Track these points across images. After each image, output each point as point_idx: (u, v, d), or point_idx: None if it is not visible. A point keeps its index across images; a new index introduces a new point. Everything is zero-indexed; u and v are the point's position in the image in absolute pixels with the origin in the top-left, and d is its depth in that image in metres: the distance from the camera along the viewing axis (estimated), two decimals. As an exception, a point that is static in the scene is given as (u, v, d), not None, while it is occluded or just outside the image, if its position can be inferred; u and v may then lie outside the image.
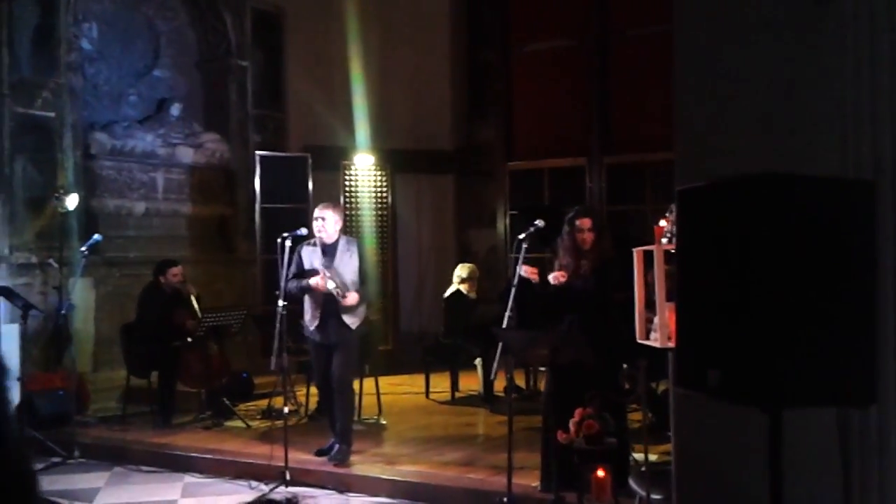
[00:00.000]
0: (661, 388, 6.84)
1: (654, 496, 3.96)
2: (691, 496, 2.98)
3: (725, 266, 2.44)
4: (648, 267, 4.09)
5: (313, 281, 6.16)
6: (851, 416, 2.60)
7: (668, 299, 3.76)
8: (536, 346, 5.08)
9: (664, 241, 3.83)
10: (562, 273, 5.29)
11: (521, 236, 5.40)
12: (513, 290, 5.22)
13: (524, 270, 5.28)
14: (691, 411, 2.88)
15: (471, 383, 8.90)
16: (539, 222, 5.46)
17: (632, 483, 4.24)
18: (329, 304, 6.24)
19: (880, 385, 2.36)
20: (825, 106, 2.82)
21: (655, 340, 3.81)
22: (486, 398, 8.28)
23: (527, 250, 5.40)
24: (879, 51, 2.69)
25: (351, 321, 6.30)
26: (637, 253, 4.07)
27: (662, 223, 3.94)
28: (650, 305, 4.08)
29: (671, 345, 3.70)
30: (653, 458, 5.88)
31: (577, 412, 4.29)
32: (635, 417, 7.23)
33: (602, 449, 4.20)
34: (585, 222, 5.35)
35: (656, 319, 3.85)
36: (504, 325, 5.23)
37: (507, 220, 11.34)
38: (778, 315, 2.31)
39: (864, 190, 2.46)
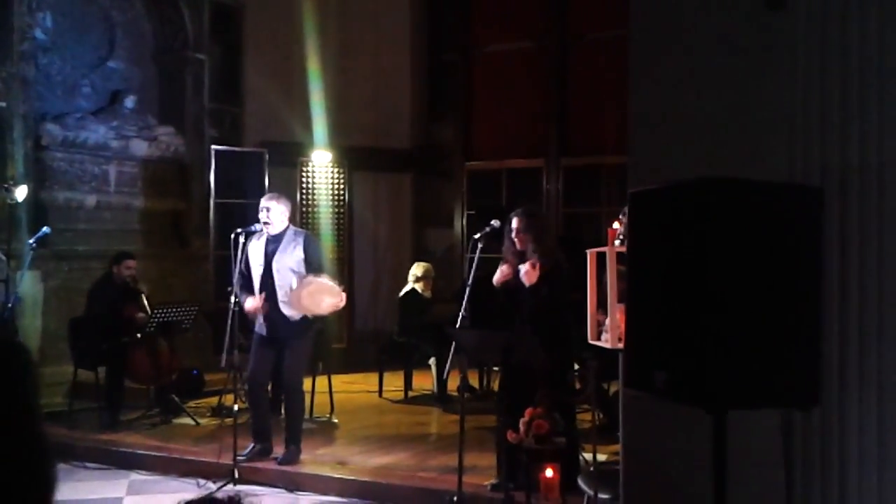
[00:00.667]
0: (613, 388, 6.86)
1: (602, 496, 3.97)
2: (638, 496, 3.00)
3: (674, 268, 2.46)
4: (602, 269, 4.11)
5: (248, 304, 6.10)
6: (794, 418, 2.63)
7: (620, 301, 3.78)
8: (489, 346, 5.07)
9: (617, 243, 3.84)
10: (507, 267, 5.28)
11: (477, 236, 5.41)
12: (467, 290, 5.21)
13: (500, 272, 5.27)
14: (639, 412, 2.90)
15: (425, 382, 8.88)
16: (495, 222, 5.46)
17: (580, 482, 4.25)
18: (274, 298, 6.13)
19: (823, 388, 2.38)
20: (774, 110, 2.85)
21: (606, 341, 3.82)
22: (440, 397, 8.27)
23: (482, 250, 5.40)
24: (830, 56, 2.72)
25: (292, 313, 6.12)
26: (590, 254, 4.09)
27: (616, 225, 3.96)
28: (602, 307, 4.09)
29: (622, 346, 3.71)
30: (602, 458, 5.93)
31: (527, 412, 4.29)
32: (585, 417, 7.29)
33: (551, 448, 4.21)
34: (515, 222, 5.36)
35: (608, 320, 3.86)
36: (458, 325, 5.22)
37: (465, 220, 11.35)
38: (723, 317, 2.33)
39: (812, 196, 2.48)
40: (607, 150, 10.36)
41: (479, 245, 5.37)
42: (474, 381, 8.56)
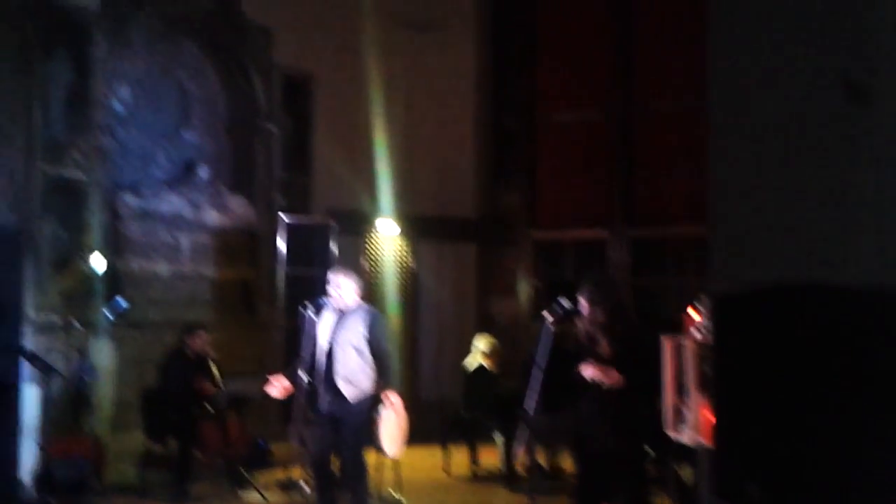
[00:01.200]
0: (685, 472, 6.68)
1: None
2: None
3: (765, 377, 2.40)
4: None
5: (272, 390, 6.24)
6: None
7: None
8: (561, 431, 4.99)
9: (695, 333, 3.77)
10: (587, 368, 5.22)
11: (545, 313, 5.32)
12: (539, 374, 5.13)
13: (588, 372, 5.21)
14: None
15: (490, 458, 8.75)
16: (565, 302, 5.38)
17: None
18: (330, 372, 6.08)
19: None
20: (863, 212, 2.78)
21: (686, 435, 3.72)
22: (508, 477, 8.12)
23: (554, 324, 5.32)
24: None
25: (350, 393, 6.06)
26: (667, 342, 4.01)
27: (691, 312, 3.89)
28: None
29: (702, 440, 3.63)
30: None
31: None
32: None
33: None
34: (583, 301, 5.26)
35: (688, 413, 3.77)
36: (526, 405, 5.13)
37: (530, 290, 11.29)
38: (821, 430, 2.26)
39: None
40: (673, 221, 10.29)
41: (551, 327, 5.29)
42: (541, 459, 8.41)
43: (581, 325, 5.31)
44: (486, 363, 8.71)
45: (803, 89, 3.03)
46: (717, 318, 2.50)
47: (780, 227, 2.89)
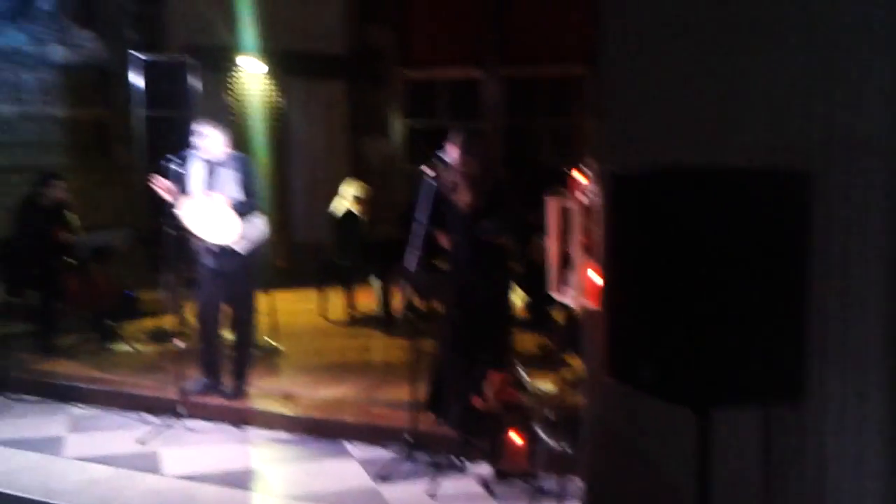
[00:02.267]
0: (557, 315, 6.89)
1: (565, 447, 4.00)
2: (608, 481, 3.00)
3: (658, 258, 2.39)
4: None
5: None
6: (772, 413, 2.63)
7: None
8: (444, 289, 5.00)
9: (581, 197, 3.75)
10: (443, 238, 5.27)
11: (427, 170, 5.21)
12: (421, 230, 5.07)
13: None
14: (615, 396, 2.87)
15: (366, 300, 8.80)
16: (444, 156, 5.27)
17: (539, 431, 4.27)
18: None
19: (807, 381, 2.37)
20: (755, 92, 2.74)
21: (571, 298, 3.77)
22: (385, 321, 8.22)
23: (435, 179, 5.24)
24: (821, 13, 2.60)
25: (241, 247, 5.91)
26: (552, 203, 3.99)
27: (577, 176, 3.85)
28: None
29: (588, 304, 3.68)
30: (550, 387, 5.99)
31: (495, 378, 4.26)
32: (532, 341, 7.37)
33: (520, 416, 4.21)
34: (452, 146, 5.20)
35: (572, 276, 3.80)
36: (406, 261, 5.10)
37: (403, 130, 11.10)
38: (709, 312, 2.28)
39: (799, 181, 2.41)
40: (546, 60, 10.19)
41: (431, 181, 5.19)
42: (416, 302, 8.51)
43: (446, 175, 5.26)
44: (354, 209, 8.60)
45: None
46: (612, 197, 2.44)
47: (673, 105, 2.83)
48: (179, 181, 5.86)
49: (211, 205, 5.77)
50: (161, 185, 5.85)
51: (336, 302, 8.80)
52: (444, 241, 5.28)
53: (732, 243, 2.30)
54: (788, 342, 2.36)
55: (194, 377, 6.15)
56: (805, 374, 2.38)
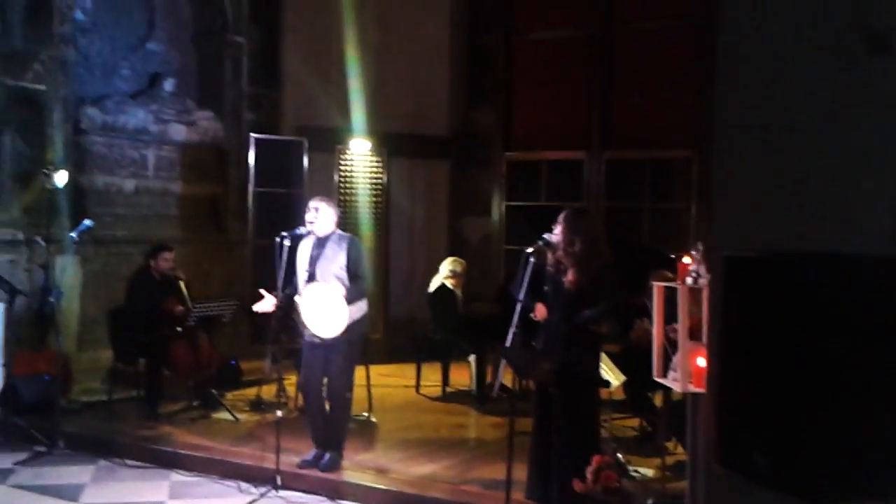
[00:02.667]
0: (657, 398, 6.74)
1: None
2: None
3: (773, 343, 2.33)
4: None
5: (258, 306, 6.18)
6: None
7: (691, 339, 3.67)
8: (539, 367, 4.97)
9: (689, 280, 3.70)
10: (540, 311, 5.27)
11: (529, 250, 5.25)
12: (518, 307, 5.08)
13: (537, 311, 5.25)
14: (718, 481, 2.78)
15: (461, 377, 8.80)
16: (548, 236, 5.30)
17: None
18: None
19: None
20: (871, 178, 2.68)
21: (675, 381, 3.70)
22: (479, 398, 8.19)
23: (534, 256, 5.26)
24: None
25: (346, 321, 5.95)
26: (658, 288, 3.95)
27: (686, 259, 3.82)
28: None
29: (693, 388, 3.60)
30: (649, 472, 5.85)
31: (595, 460, 4.19)
32: (628, 424, 7.22)
33: (619, 499, 4.11)
34: (560, 219, 5.23)
35: (676, 359, 3.74)
36: (509, 341, 5.10)
37: (503, 210, 11.20)
38: (832, 401, 2.20)
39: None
40: (650, 144, 10.19)
41: (532, 260, 5.22)
42: (508, 380, 8.46)
43: (552, 255, 5.27)
44: (449, 283, 8.66)
45: (816, 41, 2.89)
46: (727, 279, 2.41)
47: (786, 191, 2.79)
48: (289, 257, 6.04)
49: (327, 295, 5.91)
50: (264, 306, 6.10)
51: (431, 377, 8.82)
52: (541, 311, 5.25)
53: (853, 329, 2.23)
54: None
55: (298, 449, 6.23)
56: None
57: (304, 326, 6.06)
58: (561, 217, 5.25)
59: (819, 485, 2.20)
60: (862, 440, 2.20)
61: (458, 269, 8.74)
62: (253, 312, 8.51)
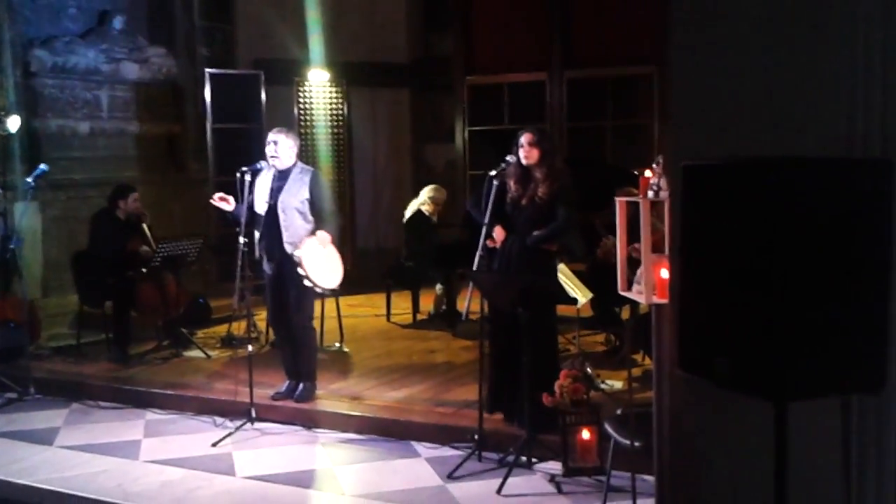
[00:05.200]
0: (624, 312, 6.84)
1: (635, 443, 3.96)
2: (682, 474, 2.96)
3: (732, 249, 2.35)
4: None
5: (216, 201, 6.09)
6: (852, 400, 2.57)
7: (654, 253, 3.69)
8: (508, 291, 5.00)
9: (650, 194, 3.72)
10: (499, 231, 5.33)
11: (493, 173, 5.24)
12: (483, 231, 5.09)
13: (495, 234, 5.31)
14: (688, 390, 2.83)
15: (429, 303, 8.85)
16: (510, 158, 5.30)
17: (608, 428, 4.23)
18: (277, 236, 5.96)
19: (889, 369, 2.31)
20: (833, 76, 2.67)
21: (639, 294, 3.74)
22: (450, 322, 8.25)
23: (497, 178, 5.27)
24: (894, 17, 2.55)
25: (295, 253, 5.92)
26: (620, 203, 3.97)
27: (647, 173, 3.83)
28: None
29: (657, 299, 3.64)
30: (618, 384, 5.96)
31: (563, 374, 4.24)
32: (597, 339, 7.34)
33: (588, 412, 4.18)
34: (528, 136, 5.28)
35: (640, 270, 3.77)
36: (475, 266, 5.12)
37: (466, 135, 11.13)
38: (790, 303, 2.23)
39: (882, 170, 2.35)
40: (612, 62, 10.12)
41: (495, 183, 5.22)
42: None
43: (513, 177, 5.29)
44: (424, 209, 8.63)
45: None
46: (686, 188, 2.42)
47: (746, 97, 2.78)
48: (250, 192, 5.96)
49: (320, 248, 5.93)
50: (217, 199, 6.01)
51: (400, 305, 8.85)
52: (500, 234, 5.29)
53: (811, 232, 2.25)
54: (869, 331, 2.30)
55: (272, 383, 6.29)
56: (887, 364, 2.32)
57: (264, 261, 6.04)
58: (533, 138, 5.26)
59: (779, 384, 2.25)
60: (820, 339, 2.23)
61: (439, 196, 8.71)
62: (218, 250, 8.51)
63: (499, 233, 5.31)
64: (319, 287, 6.03)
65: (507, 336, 5.13)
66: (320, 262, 5.98)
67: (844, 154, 2.55)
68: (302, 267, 5.86)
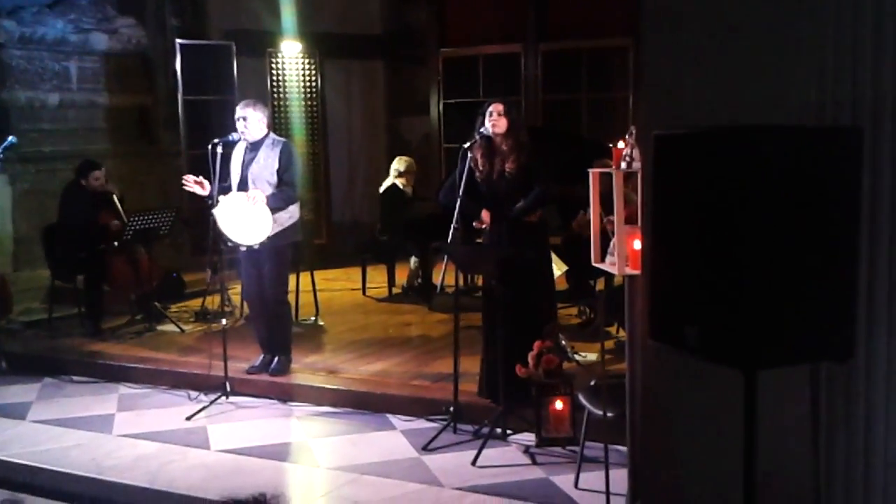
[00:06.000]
0: (599, 285, 6.86)
1: (609, 414, 3.98)
2: (655, 444, 2.99)
3: (703, 218, 2.35)
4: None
5: (188, 185, 5.93)
6: (821, 369, 2.59)
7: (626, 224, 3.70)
8: (483, 262, 5.00)
9: (623, 165, 3.72)
10: (485, 216, 5.29)
11: (466, 145, 5.22)
12: (458, 203, 5.08)
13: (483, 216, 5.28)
14: (660, 361, 2.85)
15: (404, 277, 8.84)
16: (484, 129, 5.27)
17: (581, 399, 4.26)
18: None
19: (857, 338, 2.33)
20: (803, 45, 2.68)
21: (613, 265, 3.74)
22: (425, 295, 8.25)
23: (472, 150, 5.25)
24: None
25: (269, 228, 5.86)
26: (594, 174, 3.96)
27: (620, 145, 3.82)
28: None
29: (630, 271, 3.65)
30: (591, 356, 5.99)
31: (536, 345, 4.25)
32: (570, 312, 7.36)
33: (561, 382, 4.19)
34: (498, 106, 5.25)
35: (613, 242, 3.77)
36: (449, 239, 5.11)
37: (441, 108, 11.08)
38: (758, 271, 2.24)
39: (850, 139, 2.36)
40: (587, 34, 10.09)
41: (469, 155, 5.21)
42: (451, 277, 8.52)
43: (480, 151, 5.27)
44: (399, 182, 8.60)
45: None
46: (657, 158, 2.42)
47: (717, 67, 2.78)
48: (223, 165, 5.90)
49: (247, 204, 5.79)
50: (191, 182, 5.92)
51: (376, 279, 8.84)
52: (486, 217, 5.28)
53: (780, 201, 2.25)
54: (837, 300, 2.31)
55: (247, 357, 6.26)
56: (854, 333, 2.34)
57: (224, 236, 5.94)
58: (503, 108, 5.23)
59: (749, 352, 2.26)
60: (789, 308, 2.24)
61: (402, 167, 8.65)
62: (191, 223, 8.44)
63: (485, 215, 5.29)
64: (231, 242, 5.91)
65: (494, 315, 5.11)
66: (238, 218, 5.81)
67: (815, 122, 2.56)
68: (213, 221, 5.77)
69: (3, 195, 8.61)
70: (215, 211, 5.81)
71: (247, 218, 5.83)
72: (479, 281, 7.24)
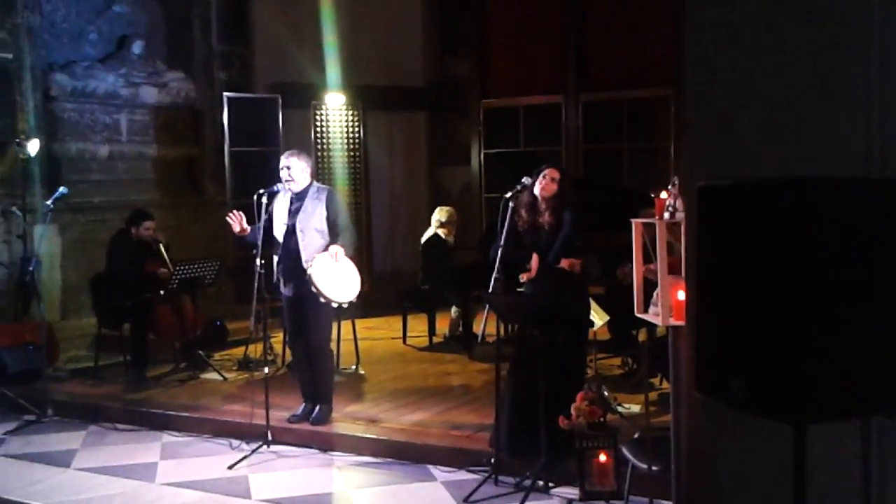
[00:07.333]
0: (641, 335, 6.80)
1: (654, 468, 3.92)
2: (696, 494, 2.93)
3: (748, 269, 2.33)
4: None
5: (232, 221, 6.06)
6: (872, 423, 2.53)
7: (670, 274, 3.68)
8: (523, 311, 4.98)
9: (666, 215, 3.70)
10: (534, 263, 5.28)
11: (508, 195, 5.24)
12: (499, 253, 5.08)
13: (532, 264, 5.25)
14: (706, 413, 2.81)
15: (446, 326, 8.83)
16: (526, 180, 5.30)
17: (625, 452, 4.20)
18: (296, 258, 5.99)
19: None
20: (848, 94, 2.66)
21: (656, 315, 3.71)
22: (466, 345, 8.23)
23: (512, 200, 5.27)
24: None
25: (359, 281, 6.10)
26: (636, 224, 3.95)
27: (664, 195, 3.81)
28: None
29: (674, 321, 3.62)
30: (635, 407, 5.91)
31: (579, 396, 4.22)
32: (614, 362, 7.29)
33: (605, 435, 4.15)
34: (554, 172, 5.30)
35: (657, 293, 3.75)
36: (491, 288, 5.11)
37: (482, 158, 11.15)
38: (809, 324, 2.21)
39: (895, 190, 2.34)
40: (628, 85, 10.14)
41: (511, 205, 5.22)
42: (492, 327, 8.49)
43: (524, 202, 5.29)
44: (441, 232, 8.64)
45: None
46: (702, 209, 2.41)
47: (761, 116, 2.77)
48: (267, 214, 5.99)
49: (332, 262, 5.92)
50: (235, 219, 6.01)
51: (416, 328, 8.84)
52: (536, 263, 5.27)
53: (828, 252, 2.22)
54: (888, 353, 2.28)
55: (288, 405, 6.28)
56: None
57: (326, 298, 5.95)
58: (558, 176, 5.28)
59: (797, 406, 2.22)
60: (839, 360, 2.21)
61: (444, 217, 8.70)
62: (235, 272, 8.53)
63: (535, 262, 5.29)
64: (335, 301, 6.01)
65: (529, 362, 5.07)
66: (333, 277, 5.96)
67: (862, 173, 2.54)
68: (314, 283, 5.86)
69: (54, 244, 8.80)
70: (311, 272, 5.88)
71: (340, 276, 5.97)
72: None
